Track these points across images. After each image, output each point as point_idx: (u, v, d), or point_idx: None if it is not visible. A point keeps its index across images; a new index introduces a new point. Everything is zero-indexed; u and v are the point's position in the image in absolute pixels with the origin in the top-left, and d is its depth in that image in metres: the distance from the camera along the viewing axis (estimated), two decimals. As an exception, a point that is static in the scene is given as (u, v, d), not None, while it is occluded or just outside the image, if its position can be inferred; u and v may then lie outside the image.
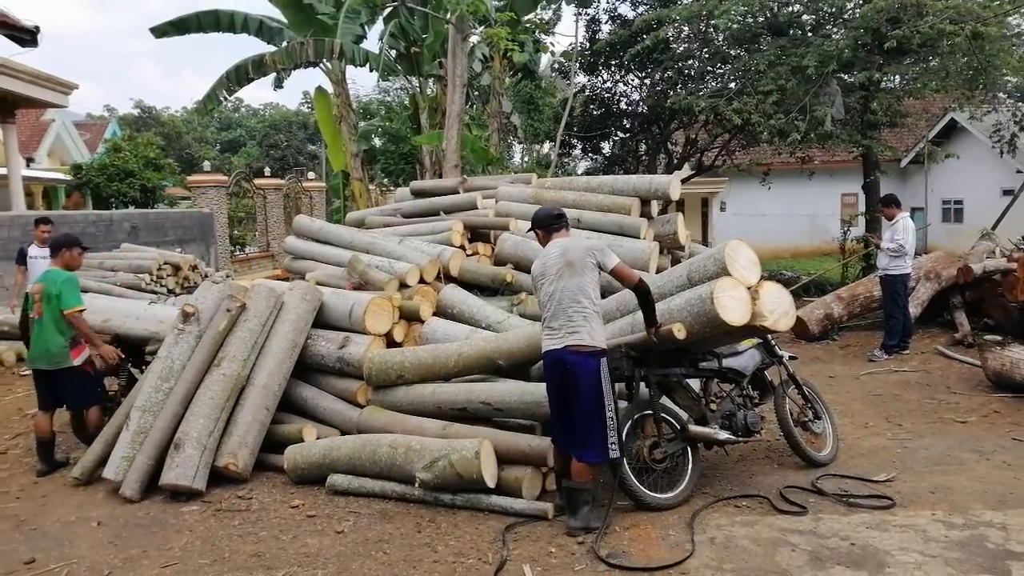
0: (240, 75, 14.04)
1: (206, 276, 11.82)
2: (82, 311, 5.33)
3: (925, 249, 14.98)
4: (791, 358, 5.29)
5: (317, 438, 5.27)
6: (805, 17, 13.21)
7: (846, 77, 12.23)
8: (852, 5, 12.34)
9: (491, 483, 4.38)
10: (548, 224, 4.47)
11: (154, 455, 4.88)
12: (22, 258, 8.64)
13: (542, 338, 4.28)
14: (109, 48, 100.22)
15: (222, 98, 14.60)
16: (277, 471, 5.14)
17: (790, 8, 13.17)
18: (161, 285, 11.09)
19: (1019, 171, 16.54)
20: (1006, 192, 17.16)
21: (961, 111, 14.44)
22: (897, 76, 12.77)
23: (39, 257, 8.21)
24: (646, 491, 4.34)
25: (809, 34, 12.63)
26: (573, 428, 4.15)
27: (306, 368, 5.76)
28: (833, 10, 12.54)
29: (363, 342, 5.60)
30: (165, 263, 11.44)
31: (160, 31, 13.84)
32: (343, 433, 5.33)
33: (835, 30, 12.34)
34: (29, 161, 24.54)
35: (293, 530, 4.31)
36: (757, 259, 4.63)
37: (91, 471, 5.14)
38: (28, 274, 8.37)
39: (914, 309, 8.87)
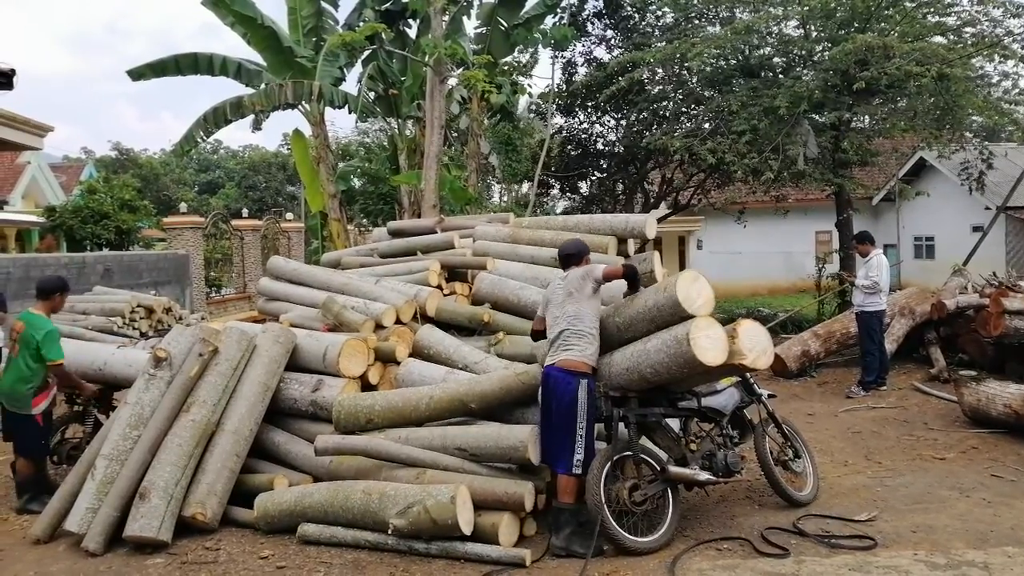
0: (218, 117, 14.03)
1: (180, 319, 11.66)
2: (61, 364, 5.48)
3: (899, 285, 15.15)
4: (770, 396, 5.26)
5: (289, 486, 5.13)
6: (776, 59, 13.49)
7: (817, 117, 12.46)
8: (821, 48, 12.62)
9: (467, 529, 4.27)
10: (562, 260, 5.09)
11: (119, 506, 4.70)
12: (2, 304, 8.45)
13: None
14: (87, 90, 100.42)
15: (199, 139, 14.53)
16: (247, 520, 4.97)
17: (761, 51, 13.45)
18: (134, 328, 10.90)
19: (988, 208, 16.87)
20: (975, 228, 17.50)
21: (930, 150, 14.76)
22: (867, 116, 13.05)
23: None
24: (626, 535, 4.26)
25: (780, 76, 12.88)
26: (552, 441, 4.43)
27: (279, 412, 5.62)
28: (803, 52, 12.81)
29: (336, 385, 5.50)
30: (138, 306, 11.28)
31: (137, 73, 13.76)
32: (316, 479, 5.19)
33: (805, 72, 12.58)
34: (3, 204, 24.31)
35: (262, 583, 4.15)
36: (701, 276, 4.56)
37: (53, 527, 4.93)
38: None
39: (890, 345, 8.92)
